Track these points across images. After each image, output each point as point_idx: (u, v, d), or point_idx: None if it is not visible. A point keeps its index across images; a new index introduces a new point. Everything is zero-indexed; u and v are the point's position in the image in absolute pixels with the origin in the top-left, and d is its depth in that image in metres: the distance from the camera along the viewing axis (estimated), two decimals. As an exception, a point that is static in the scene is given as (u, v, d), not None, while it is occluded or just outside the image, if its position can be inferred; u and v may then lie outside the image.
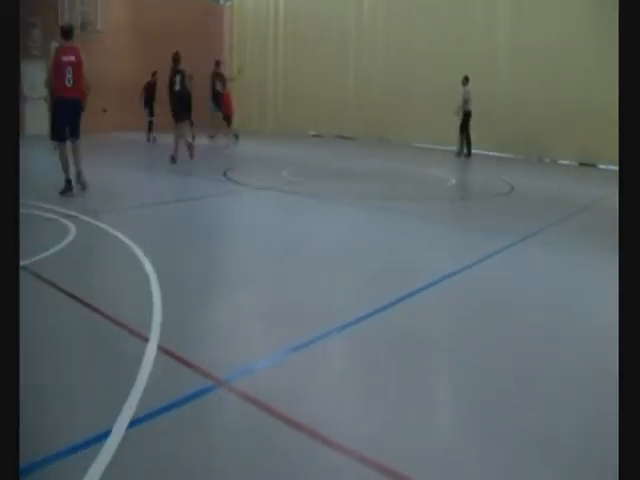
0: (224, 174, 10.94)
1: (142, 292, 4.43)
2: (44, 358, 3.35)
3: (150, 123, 17.78)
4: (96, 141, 16.67)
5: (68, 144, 8.38)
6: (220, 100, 16.33)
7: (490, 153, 16.37)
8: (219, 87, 16.47)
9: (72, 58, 8.06)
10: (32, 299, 4.19)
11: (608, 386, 3.18)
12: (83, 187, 8.47)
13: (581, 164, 14.83)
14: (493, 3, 16.93)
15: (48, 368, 3.25)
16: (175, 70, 12.64)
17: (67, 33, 8.27)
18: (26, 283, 4.49)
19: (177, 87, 12.57)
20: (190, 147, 12.64)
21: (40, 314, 4.03)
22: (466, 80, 15.67)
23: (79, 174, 8.45)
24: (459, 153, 15.92)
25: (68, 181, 8.26)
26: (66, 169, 8.27)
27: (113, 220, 6.75)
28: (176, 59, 12.65)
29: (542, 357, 3.66)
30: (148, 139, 17.56)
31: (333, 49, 21.15)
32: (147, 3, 22.35)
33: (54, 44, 8.36)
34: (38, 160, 11.76)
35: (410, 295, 4.60)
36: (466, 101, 15.63)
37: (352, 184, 10.83)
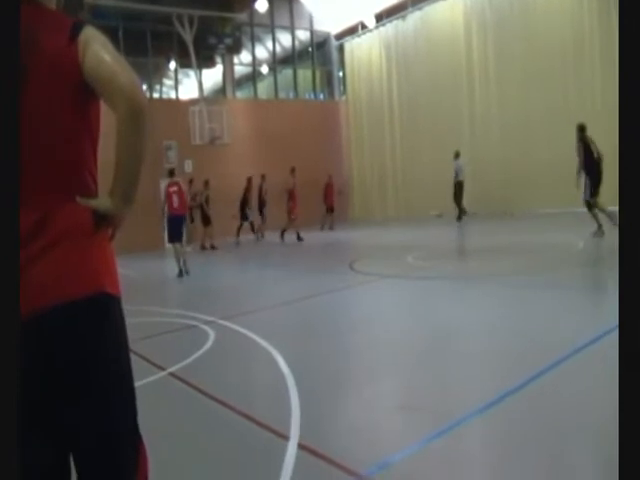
0: (349, 266, 11.15)
1: (280, 391, 4.54)
2: (184, 459, 3.49)
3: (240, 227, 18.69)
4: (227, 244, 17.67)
5: (177, 245, 12.39)
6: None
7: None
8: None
9: (175, 188, 12.49)
10: (173, 401, 4.43)
11: None
12: (187, 273, 12.37)
13: None
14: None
15: (187, 466, 3.38)
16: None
17: (171, 173, 13.06)
18: (170, 386, 4.80)
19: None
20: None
21: (179, 416, 4.24)
22: (457, 155, 19.17)
23: (184, 264, 12.38)
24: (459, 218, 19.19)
25: (180, 270, 12.27)
26: (178, 261, 12.32)
27: (247, 322, 7.07)
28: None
29: None
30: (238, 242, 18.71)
31: (446, 130, 21.46)
32: (267, 113, 24.07)
33: (163, 181, 13.57)
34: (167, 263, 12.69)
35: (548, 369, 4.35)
36: (457, 173, 18.97)
37: (479, 262, 10.67)
